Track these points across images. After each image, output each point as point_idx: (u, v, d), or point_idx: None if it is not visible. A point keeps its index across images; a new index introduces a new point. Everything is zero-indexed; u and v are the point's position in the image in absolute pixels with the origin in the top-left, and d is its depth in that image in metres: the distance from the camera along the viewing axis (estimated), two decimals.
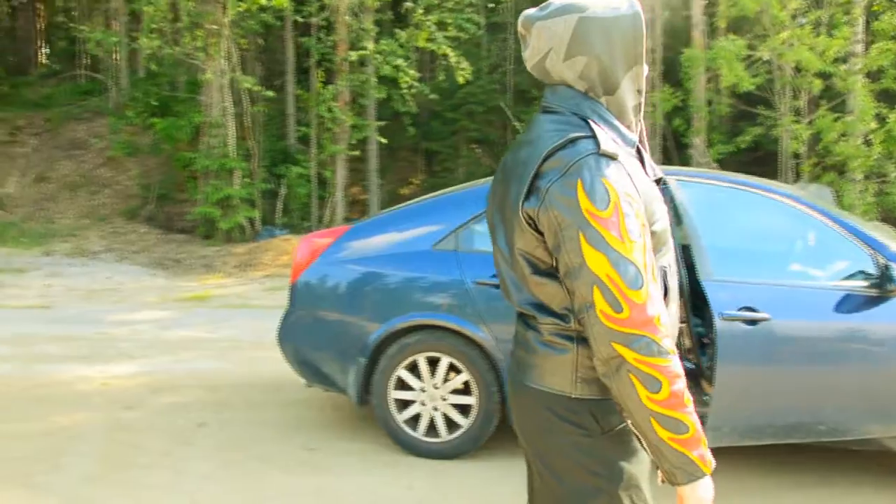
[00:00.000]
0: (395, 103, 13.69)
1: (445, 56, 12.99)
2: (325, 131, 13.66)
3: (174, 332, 8.10)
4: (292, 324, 4.99)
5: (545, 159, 1.75)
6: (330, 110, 13.18)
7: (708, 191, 4.43)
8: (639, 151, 1.90)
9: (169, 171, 14.82)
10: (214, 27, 11.95)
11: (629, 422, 1.74)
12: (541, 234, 1.77)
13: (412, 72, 12.93)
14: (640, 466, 1.84)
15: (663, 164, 15.48)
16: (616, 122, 1.83)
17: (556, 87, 1.87)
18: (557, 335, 1.83)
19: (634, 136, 1.87)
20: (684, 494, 1.73)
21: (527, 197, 1.77)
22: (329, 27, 13.71)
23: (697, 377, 4.06)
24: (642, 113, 1.92)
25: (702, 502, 1.73)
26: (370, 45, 12.95)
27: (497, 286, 4.11)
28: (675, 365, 1.67)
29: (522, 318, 1.94)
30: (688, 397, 1.68)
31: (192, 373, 6.50)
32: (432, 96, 14.25)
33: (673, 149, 16.80)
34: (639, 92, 1.86)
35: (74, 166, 17.00)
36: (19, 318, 8.70)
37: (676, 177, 4.29)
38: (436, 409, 4.64)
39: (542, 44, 1.83)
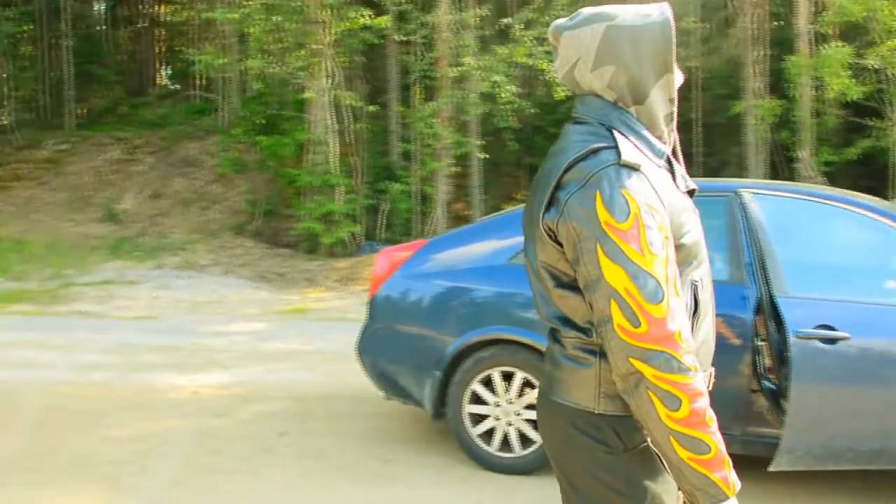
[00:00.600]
0: (497, 119, 13.76)
1: (544, 71, 12.99)
2: (425, 147, 13.84)
3: (270, 344, 8.33)
4: (370, 336, 5.07)
5: (566, 170, 1.74)
6: (430, 126, 13.35)
7: (785, 204, 4.28)
8: (670, 162, 1.87)
9: (275, 187, 15.28)
10: (317, 47, 12.30)
11: (649, 440, 1.72)
12: (561, 246, 1.76)
13: (511, 87, 12.98)
14: (664, 486, 1.80)
15: (772, 178, 15.05)
16: (645, 133, 1.81)
17: (585, 97, 1.86)
18: (580, 349, 1.81)
19: (664, 147, 1.84)
20: None
21: (547, 209, 1.76)
22: (429, 44, 13.90)
23: (778, 397, 3.92)
24: (675, 122, 1.88)
25: None
26: (470, 61, 13.07)
27: None
28: (697, 382, 1.63)
29: (551, 331, 1.93)
30: (710, 416, 1.65)
31: (282, 383, 6.67)
32: (534, 111, 14.23)
33: (781, 162, 16.29)
34: (671, 101, 1.83)
35: (187, 183, 17.71)
36: (126, 328, 9.12)
37: (752, 190, 4.17)
38: (510, 423, 4.63)
39: (571, 53, 1.83)
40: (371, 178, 14.51)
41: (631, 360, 1.63)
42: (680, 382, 1.61)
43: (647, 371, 1.62)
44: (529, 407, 4.58)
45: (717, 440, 1.65)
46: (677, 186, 1.83)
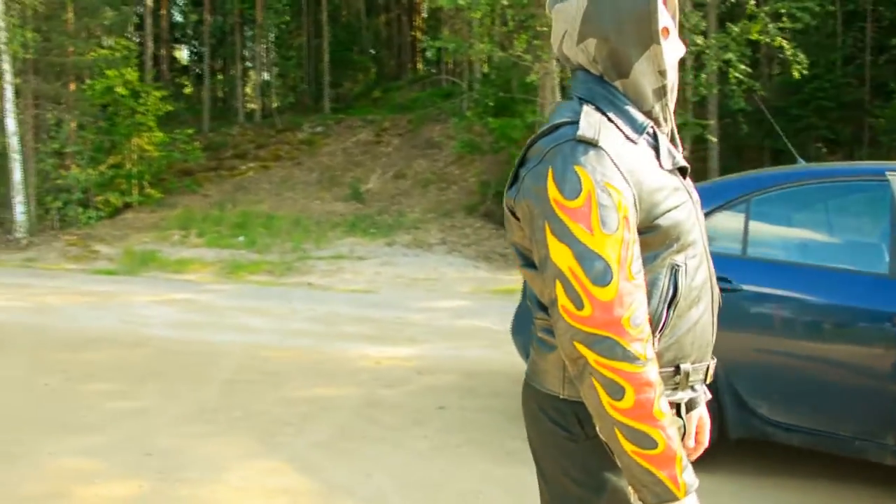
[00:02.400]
0: (733, 101, 13.11)
1: (781, 48, 12.15)
2: None
3: (466, 321, 8.57)
4: (521, 316, 5.11)
5: (529, 147, 1.69)
6: None
7: None
8: (655, 137, 1.75)
9: (507, 168, 15.55)
10: (542, 29, 12.32)
11: (598, 429, 1.64)
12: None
13: (742, 66, 12.29)
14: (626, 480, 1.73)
15: None
16: (627, 107, 1.71)
17: (575, 72, 1.80)
18: (546, 331, 1.75)
19: (647, 121, 1.72)
20: None
21: (510, 186, 1.73)
22: None
23: None
24: (670, 96, 1.77)
25: None
26: (700, 40, 12.53)
27: None
28: (647, 373, 1.54)
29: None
30: (661, 410, 1.55)
31: (460, 359, 6.86)
32: (766, 93, 13.36)
33: None
34: (661, 73, 1.72)
35: (428, 164, 18.46)
36: (340, 300, 9.74)
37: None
38: None
39: (559, 27, 1.77)
40: None
41: (575, 343, 1.56)
42: (624, 370, 1.53)
43: (590, 356, 1.54)
44: None
45: (666, 436, 1.55)
46: (660, 164, 1.71)
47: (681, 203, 1.71)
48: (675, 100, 1.85)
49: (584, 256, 1.55)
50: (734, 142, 14.48)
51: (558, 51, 1.82)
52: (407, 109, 21.03)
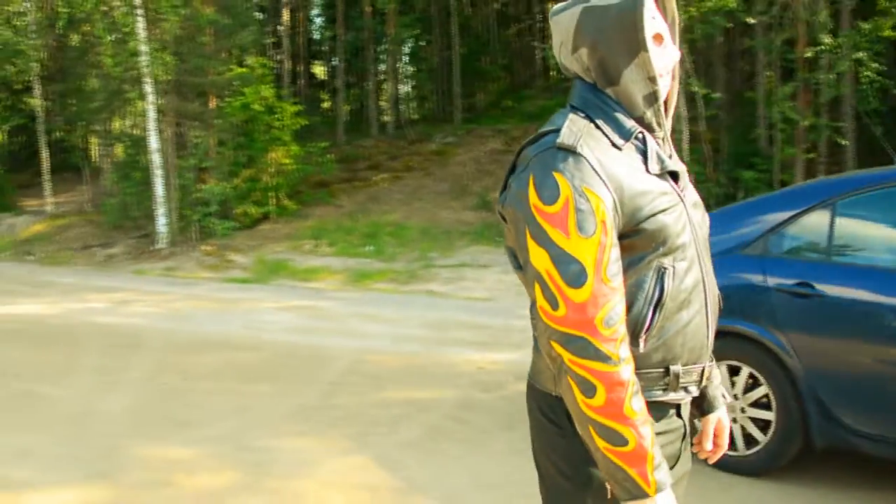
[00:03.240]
0: (860, 102, 12.54)
1: None
2: (781, 133, 13.05)
3: None
4: None
5: (518, 154, 1.79)
6: (785, 111, 12.55)
7: None
8: (644, 142, 1.79)
9: None
10: None
11: (576, 426, 1.71)
12: None
13: (874, 65, 11.73)
14: None
15: None
16: (617, 114, 1.78)
17: (574, 80, 1.88)
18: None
19: (634, 127, 1.78)
20: None
21: (501, 192, 1.83)
22: (780, 24, 13.05)
23: None
24: (661, 101, 1.81)
25: None
26: (827, 40, 12.05)
27: (796, 294, 3.94)
28: (619, 373, 1.61)
29: None
30: (632, 409, 1.61)
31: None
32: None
33: None
34: (650, 80, 1.77)
35: None
36: (456, 307, 9.93)
37: None
38: (735, 420, 4.45)
39: (557, 38, 1.86)
40: (730, 165, 14.00)
41: (552, 342, 1.65)
42: (595, 369, 1.61)
43: (565, 355, 1.63)
44: (755, 405, 4.37)
45: (637, 434, 1.62)
46: (647, 168, 1.76)
47: (668, 207, 1.75)
48: (674, 105, 1.91)
49: (560, 259, 1.63)
50: (869, 144, 13.83)
51: (558, 60, 1.91)
52: (537, 118, 21.08)
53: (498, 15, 27.31)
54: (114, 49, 16.44)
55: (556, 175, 1.65)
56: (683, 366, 1.79)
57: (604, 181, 1.67)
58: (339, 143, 23.83)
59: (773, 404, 4.26)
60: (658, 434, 1.78)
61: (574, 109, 1.80)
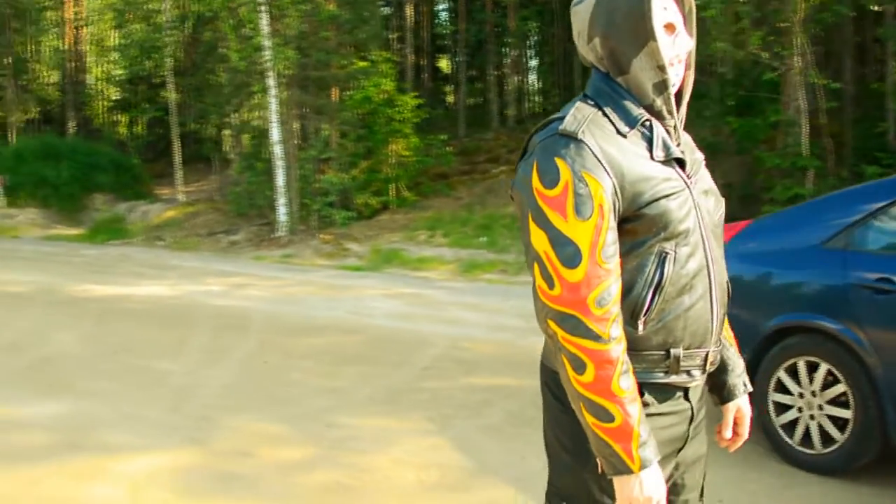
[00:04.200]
0: None
1: None
2: None
3: None
4: None
5: (527, 141, 1.88)
6: None
7: None
8: (651, 130, 1.84)
9: (751, 170, 14.96)
10: (784, 25, 11.83)
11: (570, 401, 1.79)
12: None
13: None
14: None
15: None
16: (626, 102, 1.84)
17: (591, 70, 1.95)
18: None
19: (641, 115, 1.83)
20: (616, 488, 1.76)
21: (514, 178, 1.93)
22: None
23: None
24: (671, 89, 1.85)
25: (631, 501, 1.74)
26: None
27: (877, 290, 3.90)
28: (610, 352, 1.69)
29: None
30: (620, 387, 1.69)
31: None
32: None
33: None
34: (660, 68, 1.82)
35: None
36: None
37: None
38: (812, 417, 4.37)
39: (575, 29, 1.93)
40: (855, 159, 13.46)
41: (548, 321, 1.73)
42: (586, 347, 1.68)
43: (559, 333, 1.71)
44: (833, 402, 4.29)
45: (624, 412, 1.69)
46: (652, 155, 1.81)
47: (672, 192, 1.80)
48: (689, 94, 1.95)
49: (557, 241, 1.72)
50: None
51: (578, 50, 1.99)
52: None
53: None
54: (239, 44, 17.10)
55: (558, 160, 1.73)
56: (685, 349, 1.83)
57: (604, 167, 1.73)
58: (459, 135, 24.06)
59: (851, 402, 4.18)
60: (662, 415, 1.86)
61: (585, 98, 1.88)
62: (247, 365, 6.77)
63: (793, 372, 4.44)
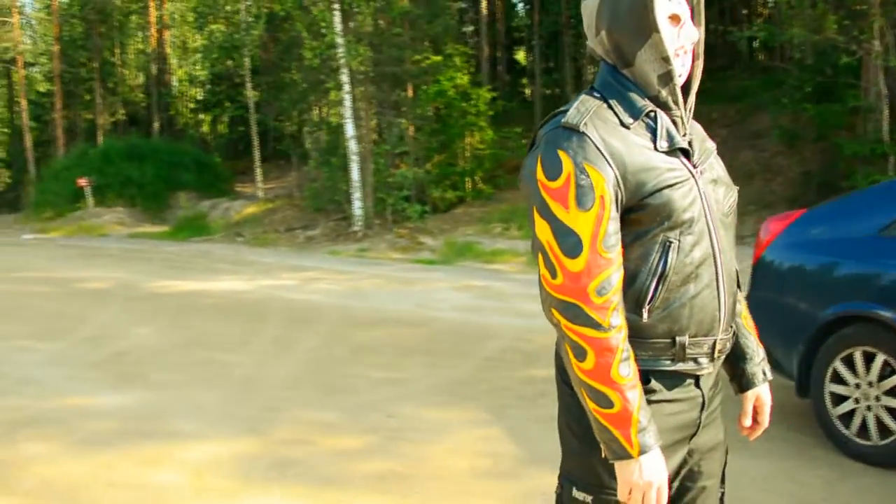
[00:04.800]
0: None
1: None
2: None
3: None
4: (751, 304, 5.07)
5: (535, 133, 1.93)
6: None
7: None
8: (655, 120, 1.87)
9: (830, 158, 14.60)
10: (861, 8, 11.52)
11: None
12: None
13: None
14: None
15: None
16: (630, 94, 1.87)
17: (600, 62, 1.98)
18: None
19: (645, 106, 1.86)
20: (616, 472, 1.80)
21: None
22: None
23: None
24: (676, 80, 1.87)
25: (631, 486, 1.78)
26: None
27: None
28: (610, 340, 1.73)
29: None
30: (620, 374, 1.73)
31: None
32: None
33: None
34: (664, 60, 1.85)
35: (754, 155, 17.76)
36: None
37: None
38: (869, 408, 4.31)
39: (585, 22, 1.97)
40: None
41: (552, 309, 1.78)
42: (587, 335, 1.73)
43: (562, 321, 1.76)
44: (890, 392, 4.22)
45: (623, 398, 1.73)
46: (656, 146, 1.84)
47: (675, 182, 1.83)
48: (697, 84, 1.96)
49: (560, 231, 1.76)
50: None
51: (588, 44, 2.03)
52: (737, 100, 20.33)
53: None
54: (313, 42, 17.42)
55: (560, 152, 1.78)
56: (691, 337, 1.86)
57: (606, 158, 1.77)
58: (536, 128, 24.01)
59: None
60: (671, 402, 1.89)
61: (592, 91, 1.92)
62: (313, 357, 6.95)
63: (849, 362, 4.37)
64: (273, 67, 23.70)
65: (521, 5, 33.46)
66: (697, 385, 1.93)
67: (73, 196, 24.20)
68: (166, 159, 25.58)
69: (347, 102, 17.20)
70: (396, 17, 17.13)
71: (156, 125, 31.01)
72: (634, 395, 1.74)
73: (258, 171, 23.76)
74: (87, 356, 7.11)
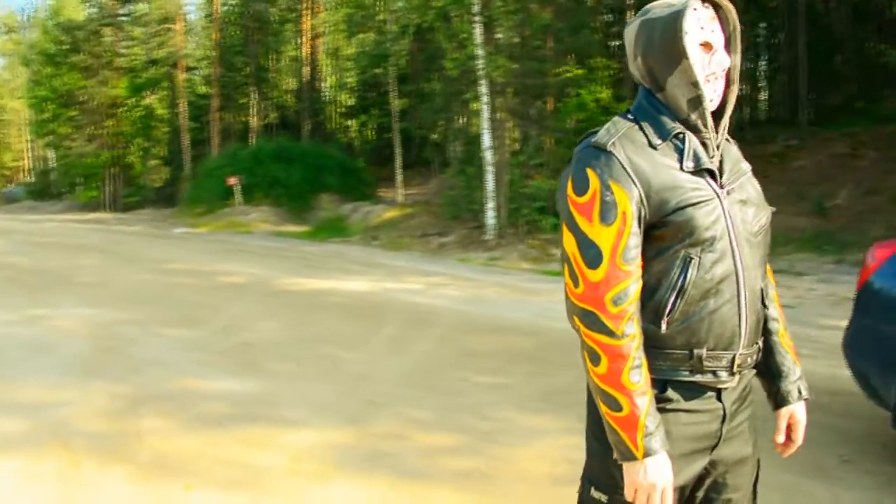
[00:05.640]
0: None
1: None
2: None
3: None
4: (851, 330, 4.99)
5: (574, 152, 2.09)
6: None
7: None
8: (683, 141, 1.97)
9: None
10: None
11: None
12: None
13: None
14: None
15: None
16: (662, 117, 1.99)
17: (639, 88, 2.13)
18: None
19: (675, 128, 1.97)
20: (624, 473, 1.92)
21: None
22: None
23: None
24: (705, 104, 1.98)
25: (636, 486, 1.89)
26: None
27: None
28: (622, 347, 1.85)
29: None
30: (631, 380, 1.85)
31: (833, 378, 6.60)
32: None
33: None
34: (693, 85, 1.96)
35: None
36: None
37: None
38: None
39: (627, 49, 2.10)
40: None
41: (574, 316, 1.93)
42: (601, 341, 1.86)
43: (581, 328, 1.90)
44: None
45: (632, 403, 1.85)
46: (682, 166, 1.95)
47: (699, 201, 1.93)
48: (731, 108, 2.07)
49: (583, 243, 1.90)
50: None
51: (629, 68, 2.17)
52: (889, 121, 19.49)
53: (853, 11, 25.41)
54: (454, 54, 17.81)
55: (588, 170, 1.92)
56: (709, 350, 1.94)
57: (631, 177, 1.90)
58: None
59: None
60: (689, 412, 1.99)
61: (627, 113, 2.06)
62: (423, 358, 7.19)
63: None
64: (417, 77, 24.30)
65: None
66: (719, 398, 2.01)
67: (223, 194, 25.51)
68: (313, 162, 26.57)
69: (485, 113, 17.49)
70: (537, 29, 17.29)
71: (305, 129, 32.22)
72: (643, 401, 1.85)
73: (398, 177, 24.38)
74: (215, 344, 7.61)
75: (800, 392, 2.18)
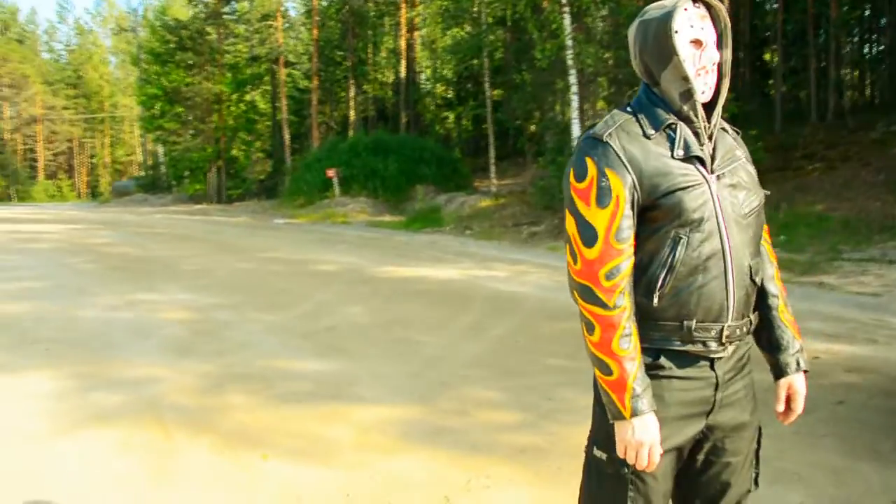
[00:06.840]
0: None
1: None
2: None
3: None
4: None
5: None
6: None
7: None
8: (675, 131, 2.18)
9: None
10: None
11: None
12: None
13: None
14: None
15: None
16: (656, 109, 2.20)
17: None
18: None
19: (667, 119, 2.18)
20: (615, 431, 2.14)
21: None
22: None
23: None
24: (696, 97, 2.18)
25: (626, 444, 2.11)
26: None
27: None
28: (613, 317, 2.07)
29: None
30: (621, 347, 2.07)
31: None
32: None
33: None
34: (684, 79, 2.17)
35: None
36: (832, 300, 9.62)
37: None
38: None
39: (629, 48, 2.34)
40: None
41: (574, 291, 2.16)
42: (595, 312, 2.09)
43: (579, 301, 2.14)
44: None
45: (621, 368, 2.07)
46: (672, 154, 2.16)
47: (688, 185, 2.14)
48: (724, 99, 2.26)
49: (582, 225, 2.15)
50: None
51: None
52: None
53: None
54: (545, 45, 17.94)
55: (587, 158, 2.16)
56: (698, 322, 2.15)
57: (625, 164, 2.13)
58: (775, 130, 23.23)
59: None
60: (681, 378, 2.21)
61: (626, 106, 2.30)
62: (498, 342, 7.46)
63: None
64: (508, 68, 24.48)
65: (766, 4, 32.21)
66: (712, 367, 2.21)
67: (322, 185, 26.26)
68: (409, 154, 27.04)
69: (574, 103, 17.58)
70: (626, 18, 17.28)
71: (402, 121, 32.75)
72: (632, 366, 2.08)
73: (492, 168, 24.62)
74: (301, 328, 8.05)
75: (798, 364, 2.35)
